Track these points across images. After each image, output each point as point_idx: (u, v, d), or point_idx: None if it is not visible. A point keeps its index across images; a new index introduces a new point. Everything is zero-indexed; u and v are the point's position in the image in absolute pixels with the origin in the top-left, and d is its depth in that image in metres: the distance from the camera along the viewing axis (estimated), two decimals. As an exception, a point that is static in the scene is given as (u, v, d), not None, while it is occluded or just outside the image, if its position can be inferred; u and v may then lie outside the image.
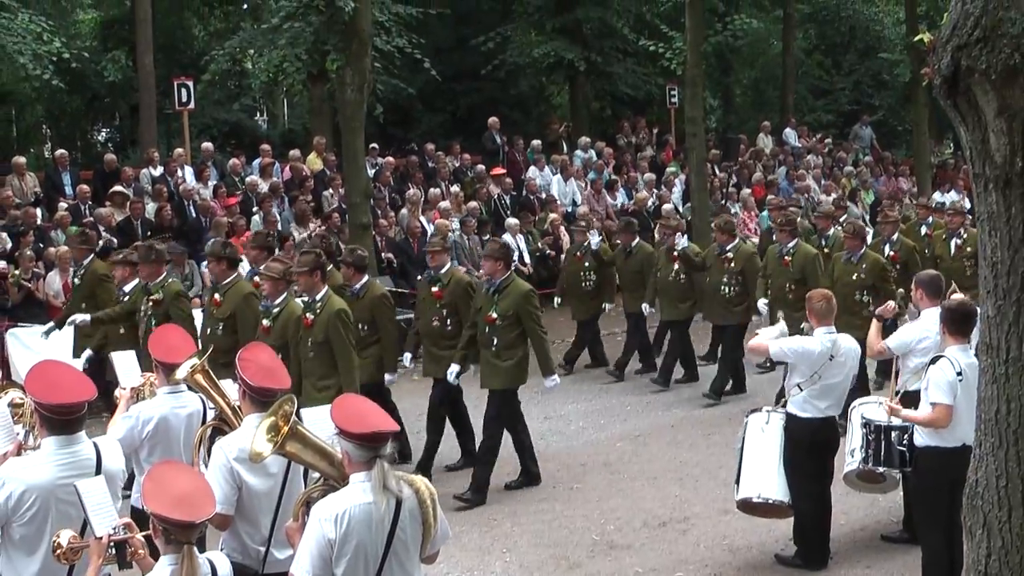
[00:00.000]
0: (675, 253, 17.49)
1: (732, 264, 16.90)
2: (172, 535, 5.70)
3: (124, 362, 8.95)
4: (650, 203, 26.38)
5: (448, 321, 13.68)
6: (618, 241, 19.34)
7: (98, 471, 6.52)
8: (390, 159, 25.74)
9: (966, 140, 5.59)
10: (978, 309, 9.67)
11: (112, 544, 6.03)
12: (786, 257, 16.18)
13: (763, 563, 10.70)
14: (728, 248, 16.96)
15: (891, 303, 12.02)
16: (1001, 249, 5.60)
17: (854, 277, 15.23)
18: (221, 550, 6.79)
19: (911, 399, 9.93)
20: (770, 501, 10.46)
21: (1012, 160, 5.41)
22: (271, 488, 7.02)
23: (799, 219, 19.06)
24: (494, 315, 12.71)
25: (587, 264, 18.58)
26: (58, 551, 6.08)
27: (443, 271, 13.81)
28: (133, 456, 8.04)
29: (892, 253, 16.73)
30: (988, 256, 5.66)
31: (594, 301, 18.70)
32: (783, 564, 10.56)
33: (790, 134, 33.01)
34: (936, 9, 29.59)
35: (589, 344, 19.05)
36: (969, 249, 16.94)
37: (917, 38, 5.88)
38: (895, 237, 17.10)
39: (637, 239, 18.63)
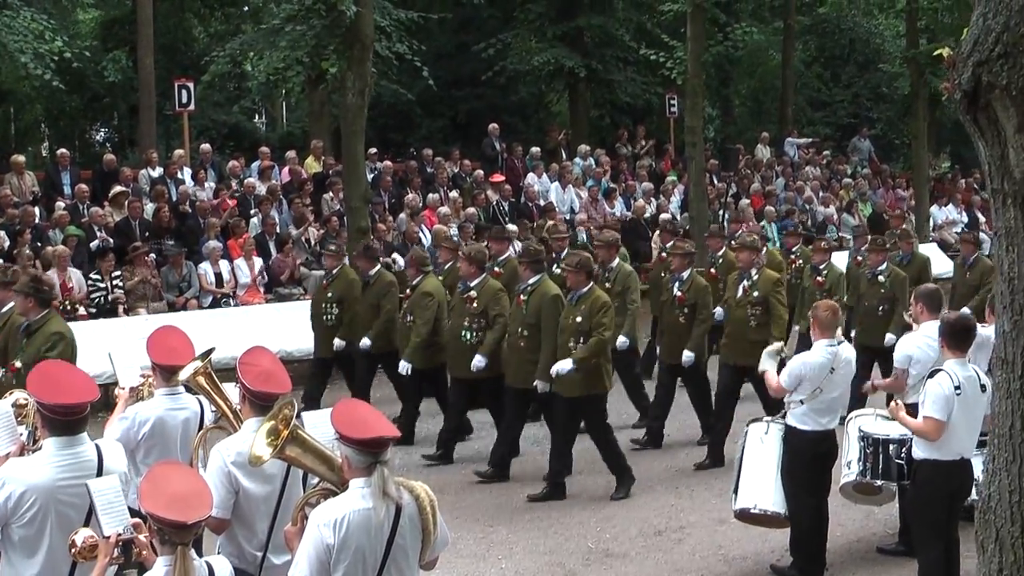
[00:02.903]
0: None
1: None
2: (167, 536, 5.69)
3: (124, 361, 8.92)
4: (648, 212, 26.40)
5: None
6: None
7: (99, 472, 6.50)
8: (389, 164, 25.72)
9: (985, 155, 5.57)
10: (977, 324, 9.79)
11: (119, 544, 6.01)
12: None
13: (758, 573, 10.70)
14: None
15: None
16: (1019, 265, 5.58)
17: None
18: (218, 554, 6.77)
19: (909, 412, 9.92)
20: (767, 512, 10.46)
21: None
22: (269, 493, 7.00)
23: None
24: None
25: None
26: (73, 550, 6.07)
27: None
28: (129, 457, 8.01)
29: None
30: (1005, 272, 5.65)
31: None
32: (779, 575, 10.56)
33: (791, 144, 33.02)
34: (937, 23, 29.60)
35: None
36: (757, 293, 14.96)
37: (935, 52, 5.86)
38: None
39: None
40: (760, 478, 10.45)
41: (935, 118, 33.95)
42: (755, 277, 14.54)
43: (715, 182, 28.69)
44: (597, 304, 12.81)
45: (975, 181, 32.83)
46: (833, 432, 10.30)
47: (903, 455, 9.87)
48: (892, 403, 9.93)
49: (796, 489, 10.29)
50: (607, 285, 15.23)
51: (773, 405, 15.70)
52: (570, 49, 31.19)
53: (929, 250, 26.85)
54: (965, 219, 31.66)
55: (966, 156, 37.81)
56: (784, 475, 10.32)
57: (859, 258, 18.81)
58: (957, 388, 9.03)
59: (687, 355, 14.67)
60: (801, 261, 18.97)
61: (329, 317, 16.21)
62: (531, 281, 13.48)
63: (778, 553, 10.89)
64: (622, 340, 15.18)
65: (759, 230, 23.55)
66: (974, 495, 9.27)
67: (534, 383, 13.21)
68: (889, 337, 15.25)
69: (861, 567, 10.78)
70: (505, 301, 14.13)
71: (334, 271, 16.50)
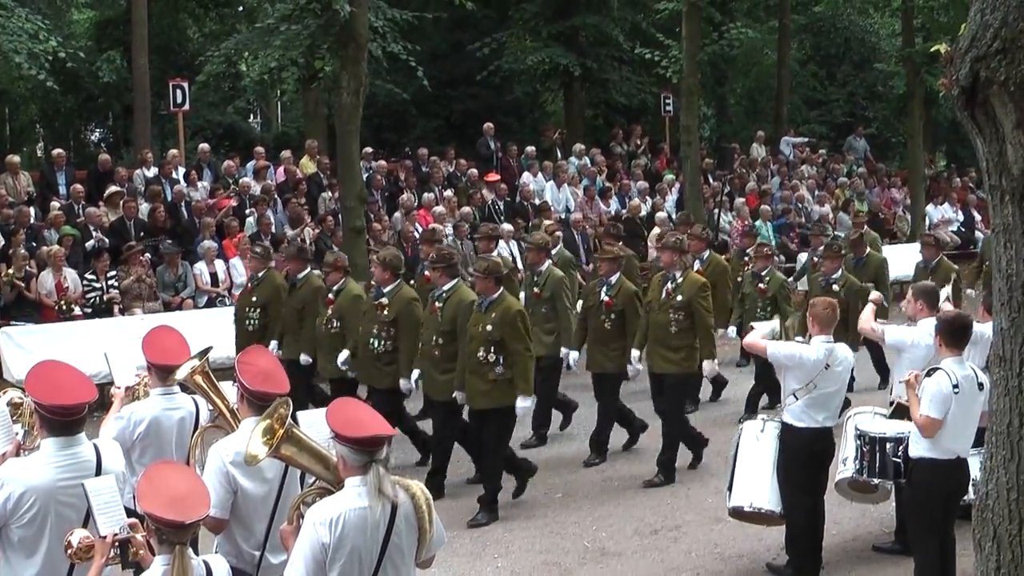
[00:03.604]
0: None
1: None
2: (165, 535, 5.68)
3: (120, 361, 8.91)
4: (643, 211, 26.40)
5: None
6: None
7: (98, 472, 6.49)
8: (383, 163, 25.70)
9: (983, 152, 5.56)
10: (974, 322, 9.80)
11: (116, 544, 6.00)
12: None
13: (754, 572, 10.71)
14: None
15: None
16: (1016, 262, 5.57)
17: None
18: (216, 553, 6.76)
19: (904, 411, 9.94)
20: (762, 511, 10.46)
21: None
22: (267, 493, 6.99)
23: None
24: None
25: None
26: (69, 551, 6.06)
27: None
28: (124, 457, 7.99)
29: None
30: (1003, 269, 5.63)
31: None
32: (774, 573, 10.57)
33: (787, 144, 33.02)
34: (933, 21, 29.60)
35: None
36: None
37: (932, 48, 5.86)
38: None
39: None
40: (755, 476, 10.45)
41: (931, 117, 34.02)
42: (679, 280, 13.70)
43: (710, 181, 28.68)
44: (509, 314, 12.15)
45: (971, 180, 32.87)
46: (830, 430, 10.29)
47: (899, 453, 9.88)
48: (910, 375, 9.82)
49: (792, 487, 10.28)
50: (536, 290, 14.95)
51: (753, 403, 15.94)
52: (565, 48, 31.20)
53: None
54: (961, 218, 31.69)
55: (962, 155, 37.86)
56: (780, 473, 10.32)
57: (815, 259, 18.69)
58: (955, 387, 9.05)
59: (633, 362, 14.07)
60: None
61: (252, 322, 15.51)
62: (446, 287, 12.80)
63: (774, 551, 10.89)
64: (564, 351, 14.76)
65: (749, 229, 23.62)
66: (971, 494, 9.30)
67: (454, 394, 12.60)
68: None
69: (857, 565, 10.79)
70: (418, 311, 13.36)
71: (260, 274, 15.79)
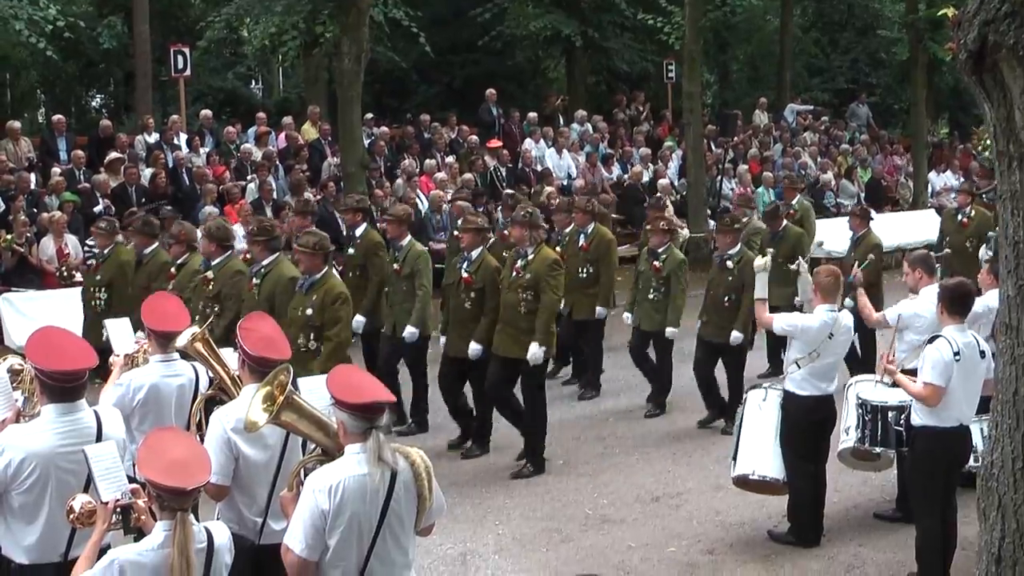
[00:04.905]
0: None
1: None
2: (166, 502, 5.67)
3: (119, 329, 8.90)
4: (645, 177, 26.36)
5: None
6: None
7: (99, 439, 6.48)
8: (385, 130, 25.65)
9: (990, 117, 5.49)
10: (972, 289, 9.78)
11: (118, 510, 5.99)
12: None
13: (756, 539, 10.70)
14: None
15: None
16: None
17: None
18: (217, 519, 6.76)
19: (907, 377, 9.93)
20: (766, 479, 10.48)
21: None
22: (268, 460, 6.98)
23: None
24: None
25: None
26: (71, 516, 6.05)
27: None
28: (124, 424, 7.99)
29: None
30: (1010, 236, 5.56)
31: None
32: (776, 540, 10.56)
33: (791, 111, 32.93)
34: (935, -11, 29.48)
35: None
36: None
37: (940, 13, 5.79)
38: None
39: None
40: (759, 444, 10.46)
41: (933, 84, 33.89)
42: (530, 257, 12.60)
43: (713, 148, 28.62)
44: (332, 294, 11.39)
45: (973, 147, 32.78)
46: (831, 397, 10.31)
47: (901, 422, 9.87)
48: (885, 359, 9.91)
49: (794, 455, 10.30)
50: (395, 266, 13.93)
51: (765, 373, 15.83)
52: (567, 14, 31.06)
53: (926, 216, 26.83)
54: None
55: (964, 122, 37.76)
56: (782, 441, 10.33)
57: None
58: (956, 354, 9.03)
59: (474, 347, 12.80)
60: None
61: (98, 302, 14.80)
62: (265, 262, 12.07)
63: (775, 519, 10.90)
64: (411, 331, 13.55)
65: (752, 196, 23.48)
66: (972, 462, 9.30)
67: None
68: (735, 335, 14.02)
69: (858, 533, 10.79)
70: (243, 284, 12.34)
71: (106, 251, 15.02)
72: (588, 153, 27.08)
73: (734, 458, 10.69)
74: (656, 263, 14.81)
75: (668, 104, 31.77)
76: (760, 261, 11.15)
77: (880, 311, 11.68)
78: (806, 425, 10.22)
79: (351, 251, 14.78)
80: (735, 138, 29.43)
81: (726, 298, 14.14)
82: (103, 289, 14.81)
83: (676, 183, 26.94)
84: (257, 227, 12.52)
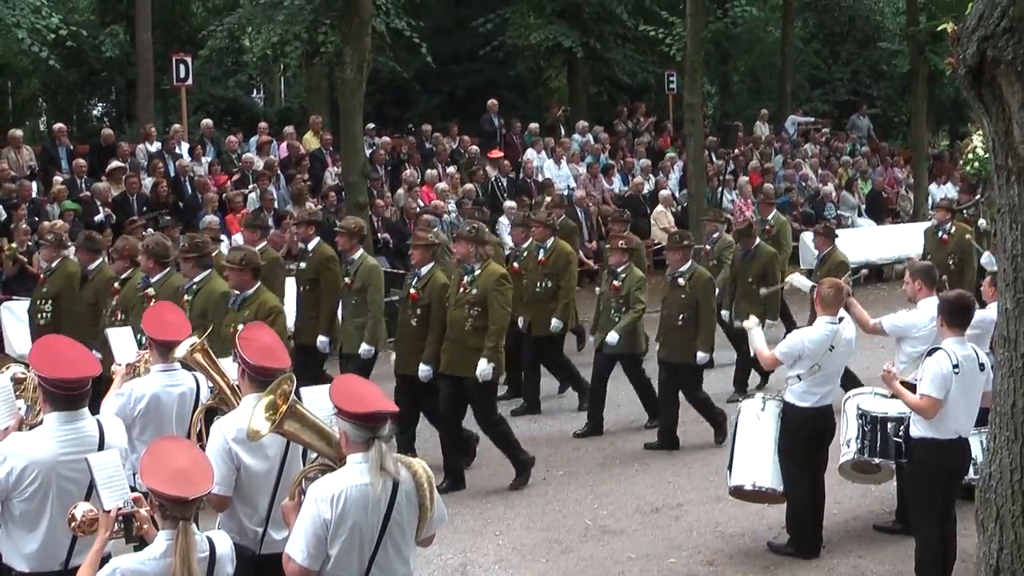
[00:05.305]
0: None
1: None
2: (169, 511, 5.68)
3: (120, 338, 8.91)
4: (646, 188, 26.39)
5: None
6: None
7: (101, 448, 6.49)
8: (387, 140, 25.69)
9: (989, 131, 5.52)
10: (974, 302, 9.80)
11: (120, 518, 6.01)
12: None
13: (755, 550, 10.70)
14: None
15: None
16: (1022, 242, 5.54)
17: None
18: (218, 529, 6.77)
19: (907, 389, 9.94)
20: (763, 489, 10.48)
21: None
22: (269, 469, 6.99)
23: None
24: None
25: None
26: (73, 524, 6.06)
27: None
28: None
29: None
30: (1008, 249, 5.59)
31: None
32: (775, 552, 10.56)
33: (792, 123, 32.96)
34: (936, 1, 29.52)
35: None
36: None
37: (939, 27, 5.83)
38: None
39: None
40: (756, 454, 10.46)
41: (934, 96, 33.91)
42: (477, 273, 12.30)
43: (714, 159, 28.65)
44: (264, 309, 11.24)
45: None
46: (830, 408, 10.31)
47: (901, 433, 9.89)
48: (887, 366, 9.92)
49: (793, 466, 10.31)
50: (347, 280, 13.70)
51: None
52: (569, 25, 31.09)
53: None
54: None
55: (964, 134, 37.75)
56: (781, 452, 10.34)
57: (707, 247, 17.97)
58: (955, 367, 9.05)
59: (423, 368, 12.45)
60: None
61: (44, 315, 14.19)
62: (197, 278, 11.87)
63: (775, 530, 10.90)
64: (365, 348, 13.34)
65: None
66: (971, 474, 9.31)
67: None
68: (700, 356, 13.80)
69: (858, 545, 10.78)
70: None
71: (53, 264, 14.50)
72: (589, 164, 27.11)
73: (729, 468, 10.70)
74: (616, 282, 14.41)
75: (669, 115, 31.79)
76: (749, 322, 11.18)
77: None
78: (806, 435, 10.23)
79: (303, 265, 14.62)
80: (736, 150, 29.46)
81: (680, 316, 13.78)
82: (48, 302, 14.25)
83: (677, 194, 26.95)
84: (188, 243, 12.29)
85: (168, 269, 12.39)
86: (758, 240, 16.98)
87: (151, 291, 12.13)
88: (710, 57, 32.71)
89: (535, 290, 15.33)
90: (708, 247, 17.97)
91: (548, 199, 23.62)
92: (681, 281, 13.84)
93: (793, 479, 10.33)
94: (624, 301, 14.24)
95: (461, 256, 12.60)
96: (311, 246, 14.60)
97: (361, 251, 13.92)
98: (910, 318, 10.76)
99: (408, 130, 28.23)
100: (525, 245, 15.93)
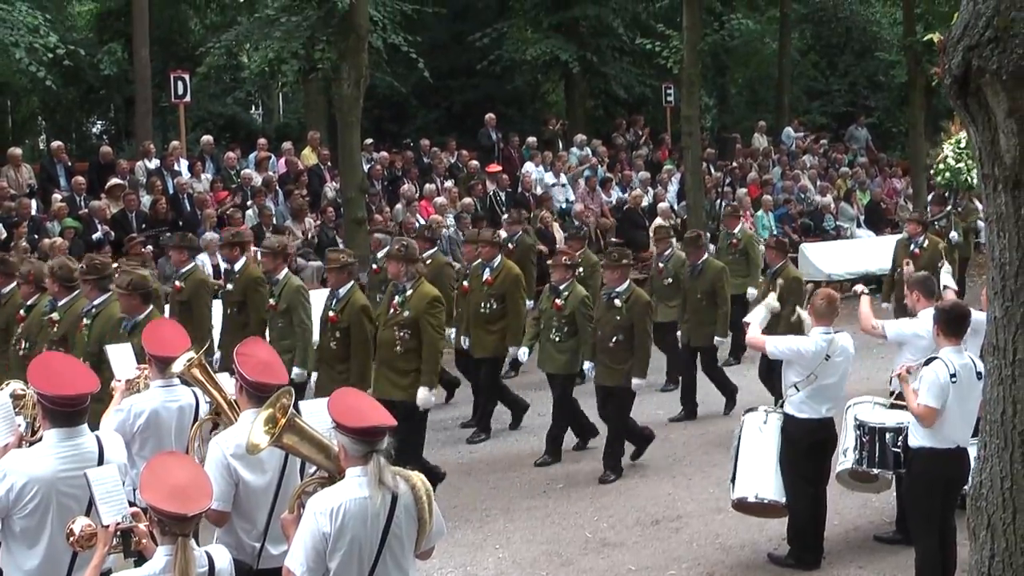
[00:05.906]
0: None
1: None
2: (168, 527, 5.70)
3: (120, 354, 8.92)
4: (645, 201, 26.40)
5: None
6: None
7: (100, 464, 6.51)
8: (385, 155, 25.71)
9: (976, 141, 5.56)
10: (971, 311, 9.81)
11: (119, 533, 6.02)
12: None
13: (756, 562, 10.71)
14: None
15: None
16: (1009, 250, 5.57)
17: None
18: (216, 543, 6.78)
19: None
20: (767, 501, 10.47)
21: (1022, 161, 5.39)
22: (267, 484, 7.01)
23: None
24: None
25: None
26: (71, 538, 6.07)
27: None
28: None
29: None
30: (996, 258, 5.63)
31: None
32: (776, 563, 10.57)
33: (790, 134, 32.97)
34: (933, 12, 29.56)
35: None
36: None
37: (927, 37, 5.88)
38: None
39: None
40: (759, 467, 10.45)
41: (932, 106, 33.92)
42: (408, 293, 12.08)
43: (712, 171, 28.67)
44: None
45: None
46: (831, 420, 10.33)
47: (899, 443, 9.90)
48: (902, 368, 9.88)
49: (794, 477, 10.31)
50: (272, 301, 13.34)
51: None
52: (565, 39, 31.11)
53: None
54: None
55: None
56: (782, 464, 10.34)
57: (660, 265, 17.46)
58: (953, 376, 9.07)
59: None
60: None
61: None
62: (96, 302, 11.28)
63: (775, 542, 10.90)
64: (297, 371, 12.67)
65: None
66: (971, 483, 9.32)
67: None
68: (636, 382, 13.17)
69: (858, 556, 10.79)
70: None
71: None
72: (587, 177, 27.12)
73: (732, 480, 10.70)
74: (558, 300, 13.76)
75: (667, 128, 31.81)
76: (765, 310, 11.16)
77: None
78: (807, 447, 10.24)
79: (230, 287, 14.44)
80: (734, 162, 29.48)
81: (613, 338, 13.12)
82: None
83: (675, 206, 26.95)
84: (87, 265, 11.63)
85: (75, 293, 11.63)
86: (705, 255, 16.57)
87: (56, 315, 11.62)
88: (707, 69, 32.78)
89: (478, 311, 15.09)
90: (661, 264, 17.39)
91: (543, 213, 23.68)
92: (617, 302, 13.15)
93: (794, 490, 10.34)
94: (567, 321, 13.65)
95: (391, 275, 12.34)
96: (237, 267, 14.39)
97: (286, 271, 13.59)
98: (914, 326, 10.77)
99: (406, 145, 28.23)
100: (473, 264, 15.65)
